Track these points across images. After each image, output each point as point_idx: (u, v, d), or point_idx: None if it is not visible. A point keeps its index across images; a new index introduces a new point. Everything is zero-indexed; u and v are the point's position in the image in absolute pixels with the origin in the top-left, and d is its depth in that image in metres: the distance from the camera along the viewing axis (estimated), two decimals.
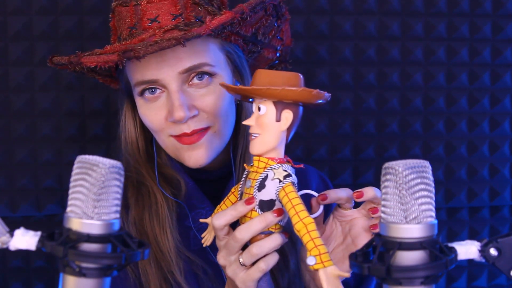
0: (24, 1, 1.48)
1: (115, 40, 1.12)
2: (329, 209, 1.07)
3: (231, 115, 1.12)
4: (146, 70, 1.05)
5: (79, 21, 1.51)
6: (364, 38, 1.62)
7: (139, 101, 1.10)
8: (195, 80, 1.07)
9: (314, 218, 0.93)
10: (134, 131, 1.16)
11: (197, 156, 1.08)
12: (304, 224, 0.82)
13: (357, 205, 0.97)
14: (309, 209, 0.93)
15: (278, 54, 1.24)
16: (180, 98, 1.04)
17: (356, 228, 0.96)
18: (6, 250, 0.71)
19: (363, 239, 0.95)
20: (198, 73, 1.06)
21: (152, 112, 1.08)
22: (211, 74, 1.07)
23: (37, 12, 1.49)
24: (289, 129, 0.88)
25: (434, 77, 1.65)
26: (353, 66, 1.62)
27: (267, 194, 0.88)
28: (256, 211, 0.88)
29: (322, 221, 0.98)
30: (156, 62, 1.04)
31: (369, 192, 0.93)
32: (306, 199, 0.91)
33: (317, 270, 0.80)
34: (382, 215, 0.71)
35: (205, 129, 1.08)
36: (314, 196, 0.95)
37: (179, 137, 1.08)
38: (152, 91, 1.07)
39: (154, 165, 1.15)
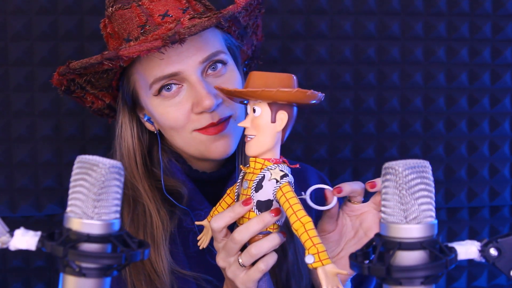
0: (24, 1, 1.48)
1: (120, 43, 1.09)
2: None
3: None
4: (166, 65, 1.05)
5: (79, 21, 1.51)
6: (364, 38, 1.62)
7: (155, 101, 1.09)
8: (210, 70, 1.08)
9: (329, 210, 0.95)
10: (132, 143, 1.15)
11: (225, 144, 1.09)
12: (302, 223, 0.83)
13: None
14: (323, 202, 0.93)
15: (252, 49, 1.25)
16: (205, 87, 1.06)
17: (368, 222, 0.97)
18: (6, 250, 0.71)
19: (376, 231, 0.95)
20: (215, 61, 1.08)
21: (174, 108, 1.08)
22: (224, 63, 1.09)
23: (37, 12, 1.49)
24: (284, 130, 0.88)
25: (434, 77, 1.65)
26: (353, 66, 1.62)
27: (265, 194, 0.88)
28: (254, 211, 0.89)
29: (336, 214, 0.98)
30: (176, 54, 1.04)
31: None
32: (315, 194, 0.92)
33: (315, 268, 0.81)
34: (382, 215, 0.71)
35: (228, 118, 1.09)
36: (328, 189, 0.95)
37: (205, 129, 1.08)
38: (168, 88, 1.07)
39: (151, 180, 1.14)
